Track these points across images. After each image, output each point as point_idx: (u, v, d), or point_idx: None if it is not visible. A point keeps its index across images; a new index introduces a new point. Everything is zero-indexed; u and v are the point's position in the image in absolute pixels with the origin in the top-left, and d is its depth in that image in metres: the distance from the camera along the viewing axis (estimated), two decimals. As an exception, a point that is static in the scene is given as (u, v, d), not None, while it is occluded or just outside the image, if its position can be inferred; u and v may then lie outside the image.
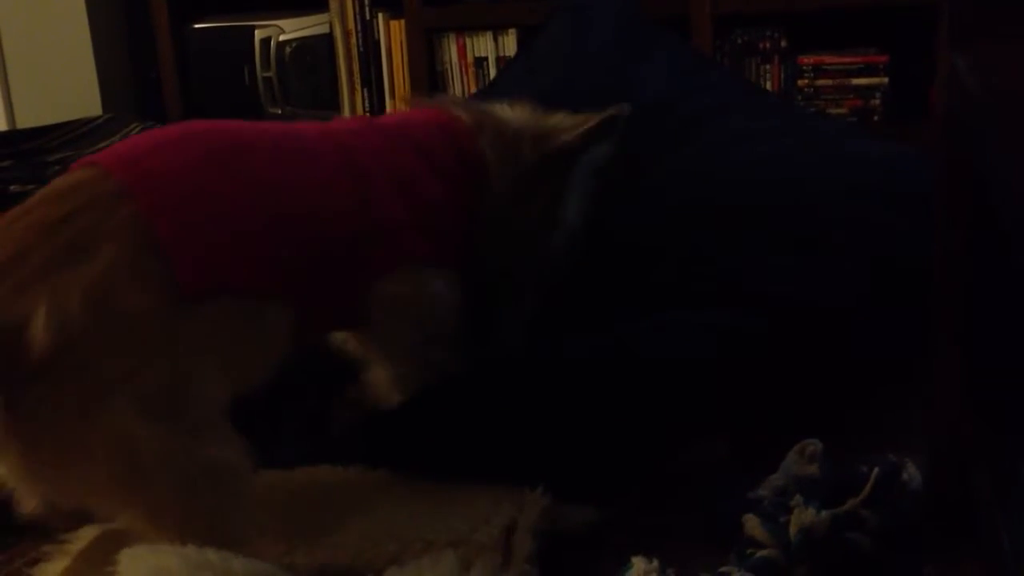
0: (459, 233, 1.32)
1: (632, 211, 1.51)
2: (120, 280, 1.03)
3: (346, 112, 2.85)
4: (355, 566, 1.13)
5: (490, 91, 1.86)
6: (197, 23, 2.85)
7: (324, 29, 2.84)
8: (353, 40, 2.83)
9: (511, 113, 1.37)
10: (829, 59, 2.59)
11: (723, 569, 1.07)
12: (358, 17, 2.81)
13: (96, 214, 1.05)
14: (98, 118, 2.56)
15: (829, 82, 2.60)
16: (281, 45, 2.81)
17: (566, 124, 1.35)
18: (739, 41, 2.63)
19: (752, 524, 1.12)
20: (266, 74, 2.82)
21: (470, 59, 2.76)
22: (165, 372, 1.03)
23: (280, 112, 2.85)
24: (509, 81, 1.86)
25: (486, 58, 2.75)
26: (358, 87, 2.84)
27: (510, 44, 2.73)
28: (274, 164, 1.18)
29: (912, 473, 1.16)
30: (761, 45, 2.62)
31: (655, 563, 1.05)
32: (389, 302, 1.26)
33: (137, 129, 2.46)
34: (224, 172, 1.14)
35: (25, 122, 2.74)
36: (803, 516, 1.09)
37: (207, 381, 1.07)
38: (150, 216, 1.06)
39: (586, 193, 1.38)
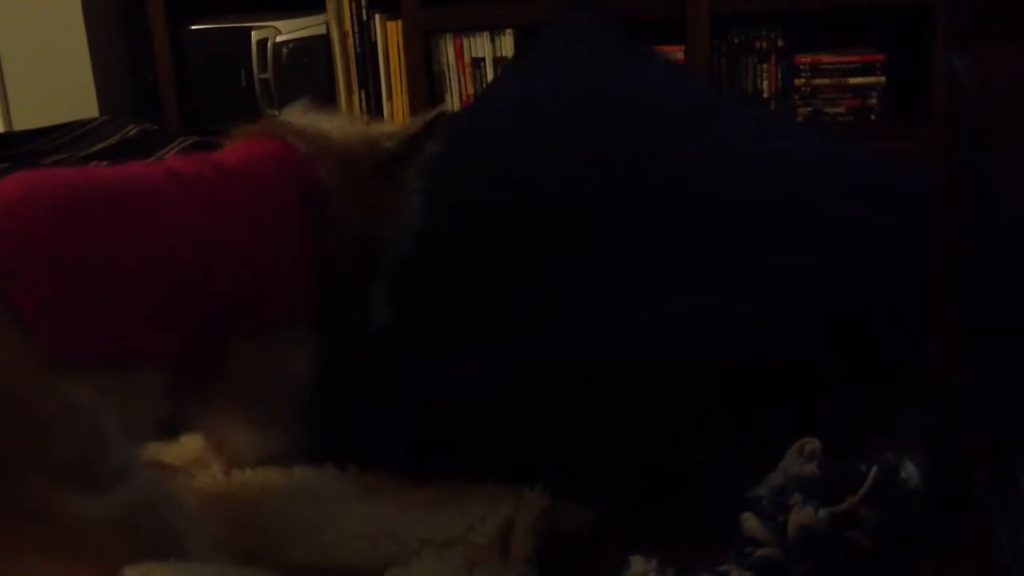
0: (312, 272, 1.28)
1: (631, 210, 1.51)
2: None
3: (343, 113, 2.85)
4: (353, 566, 1.13)
5: (481, 102, 1.87)
6: (194, 24, 2.85)
7: (321, 30, 2.84)
8: (350, 41, 2.83)
9: (340, 129, 1.34)
10: (826, 58, 2.60)
11: (722, 568, 1.07)
12: (355, 18, 2.81)
13: None
14: (95, 120, 2.56)
15: (826, 81, 2.60)
16: (278, 46, 2.81)
17: (391, 132, 1.34)
18: (736, 41, 2.63)
19: (751, 523, 1.12)
20: (263, 75, 2.82)
21: (467, 60, 2.76)
22: (71, 439, 1.00)
23: (277, 113, 2.85)
24: (499, 92, 1.87)
25: (483, 59, 2.75)
26: (355, 88, 2.84)
27: (507, 45, 2.73)
28: (130, 215, 1.12)
29: (910, 472, 1.16)
30: (758, 44, 2.63)
31: (653, 562, 1.05)
32: (250, 364, 1.22)
33: (133, 131, 2.46)
34: (81, 228, 1.07)
35: (22, 124, 2.74)
36: (802, 515, 1.09)
37: (109, 436, 1.03)
38: (12, 291, 1.00)
39: (419, 191, 1.37)
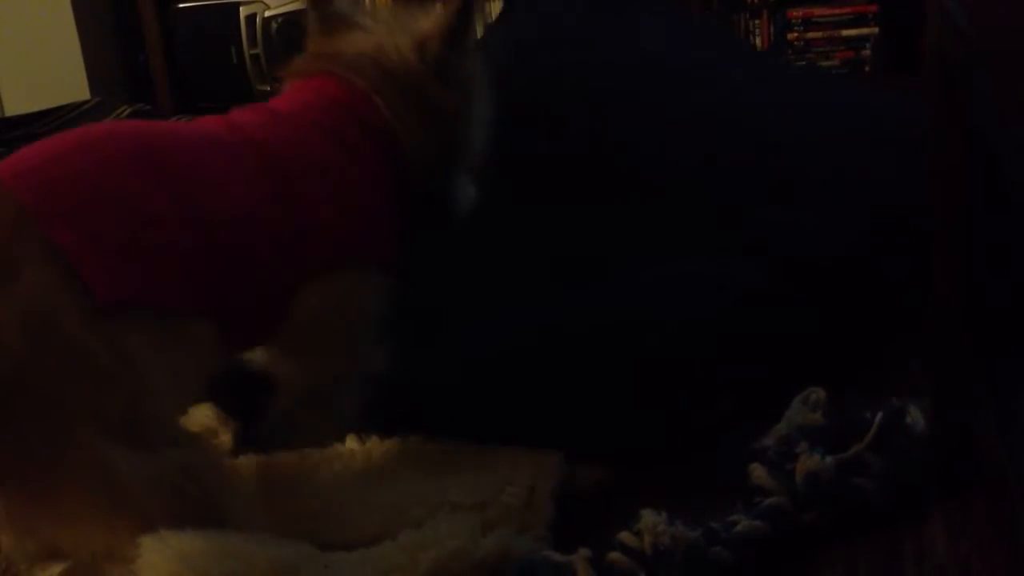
0: (384, 213, 1.25)
1: (632, 164, 1.50)
2: (51, 302, 0.98)
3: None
4: (383, 535, 1.11)
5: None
6: (181, 2, 2.84)
7: (309, 3, 2.82)
8: (339, 13, 2.81)
9: (390, 41, 1.27)
10: (819, 11, 2.58)
11: (731, 518, 1.08)
12: (343, -11, 2.80)
13: (4, 235, 1.00)
14: (86, 103, 2.55)
15: (819, 34, 2.59)
16: (267, 21, 2.80)
17: (433, 28, 1.26)
18: (727, -4, 2.62)
19: (758, 472, 1.12)
20: (253, 51, 2.80)
21: (458, 28, 2.75)
22: (121, 392, 1.00)
23: (269, 89, 2.84)
24: (494, 36, 1.86)
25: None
26: (346, 60, 2.83)
27: (496, 13, 2.71)
28: (187, 164, 1.12)
29: (915, 417, 1.16)
30: (749, 0, 2.62)
31: (663, 515, 1.06)
32: (313, 311, 1.20)
33: (126, 112, 2.45)
34: (133, 176, 1.08)
35: (14, 110, 2.72)
36: (809, 463, 1.10)
37: (159, 393, 1.04)
38: (54, 231, 1.00)
39: (484, 76, 1.32)
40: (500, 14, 2.02)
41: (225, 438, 1.30)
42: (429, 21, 1.28)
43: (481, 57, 1.31)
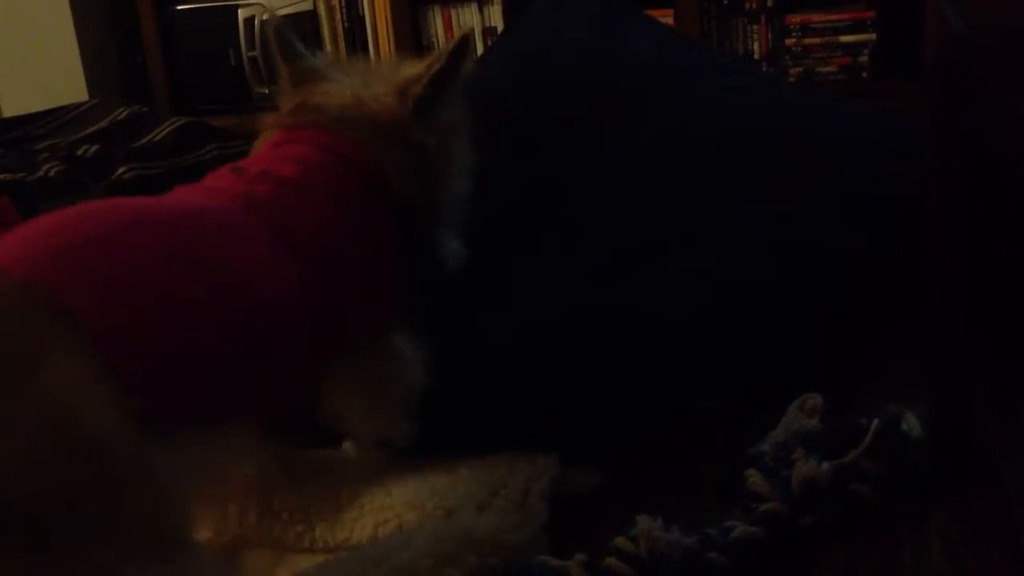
0: (399, 275, 1.20)
1: (629, 163, 1.51)
2: (77, 405, 0.86)
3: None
4: (376, 536, 1.12)
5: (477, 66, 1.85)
6: (180, 4, 2.84)
7: (308, 5, 2.82)
8: (338, 15, 2.81)
9: (369, 89, 1.22)
10: (816, 17, 2.58)
11: (728, 524, 1.08)
12: (342, -8, 2.80)
13: (15, 330, 0.86)
14: (85, 104, 2.54)
15: (817, 40, 2.59)
16: (265, 24, 2.80)
17: (417, 73, 1.22)
18: (725, 1, 2.62)
19: (755, 478, 1.12)
20: (251, 53, 2.80)
21: (456, 31, 2.75)
22: (142, 502, 0.90)
23: (267, 91, 2.84)
24: (493, 62, 1.87)
25: (472, 29, 2.73)
26: (345, 63, 2.83)
27: (496, 15, 2.72)
28: (204, 242, 1.02)
29: (912, 423, 1.16)
30: (747, 5, 2.61)
31: (659, 521, 1.06)
32: (354, 383, 1.18)
33: (123, 113, 2.45)
34: (163, 265, 0.96)
35: (11, 111, 2.72)
36: (805, 468, 1.10)
37: (181, 505, 0.95)
38: (95, 328, 0.88)
39: (466, 125, 1.28)
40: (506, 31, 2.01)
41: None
42: (411, 69, 1.24)
43: (465, 104, 1.28)
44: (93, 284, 0.91)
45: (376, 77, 1.25)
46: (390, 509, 1.16)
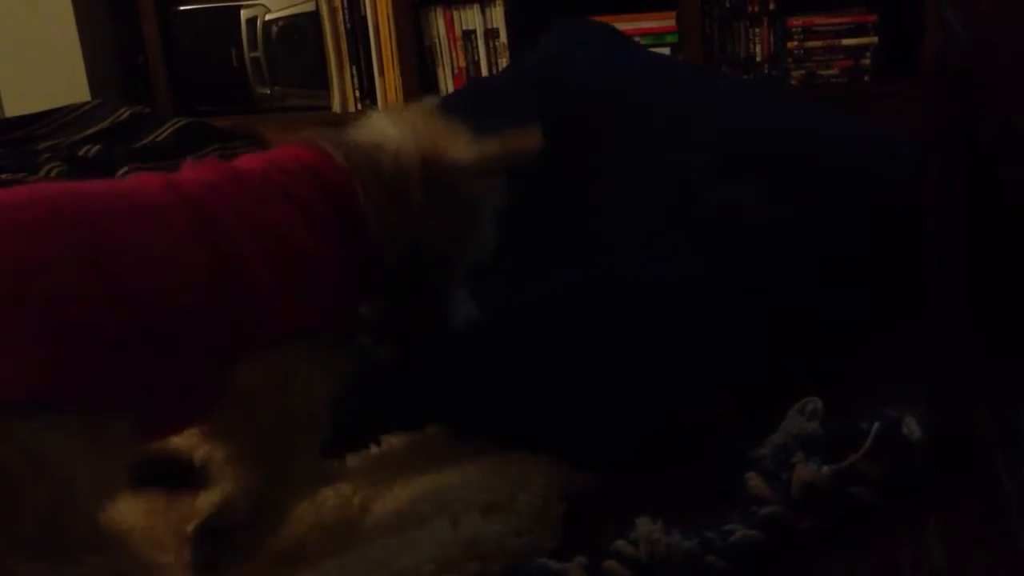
0: (341, 287, 1.14)
1: (636, 157, 1.51)
2: None
3: (335, 90, 2.84)
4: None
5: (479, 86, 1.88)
6: (182, 5, 2.84)
7: (310, 7, 2.82)
8: (340, 17, 2.81)
9: (394, 132, 1.18)
10: (819, 20, 2.58)
11: (727, 527, 1.08)
12: (344, -7, 2.80)
13: None
14: (86, 104, 2.55)
15: (819, 43, 2.59)
16: (267, 24, 2.80)
17: (465, 148, 1.18)
18: (727, 5, 2.62)
19: (755, 481, 1.12)
20: (253, 54, 2.80)
21: (458, 33, 2.75)
22: (36, 501, 0.88)
23: (269, 92, 2.84)
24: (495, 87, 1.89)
25: (474, 31, 2.73)
26: (347, 64, 2.83)
27: (498, 16, 2.71)
28: (108, 230, 0.99)
29: (912, 427, 1.16)
30: (750, 8, 2.61)
31: (659, 523, 1.06)
32: (250, 388, 1.06)
33: (125, 114, 2.45)
34: (45, 246, 0.94)
35: (13, 111, 2.72)
36: (805, 472, 1.10)
37: (78, 498, 0.91)
38: None
39: (494, 209, 1.24)
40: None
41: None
42: (455, 143, 1.19)
43: (495, 187, 1.22)
44: None
45: (421, 133, 1.19)
46: (411, 500, 1.15)
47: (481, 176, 1.19)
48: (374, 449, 1.30)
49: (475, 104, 1.71)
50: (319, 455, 1.17)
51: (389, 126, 1.19)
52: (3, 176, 1.98)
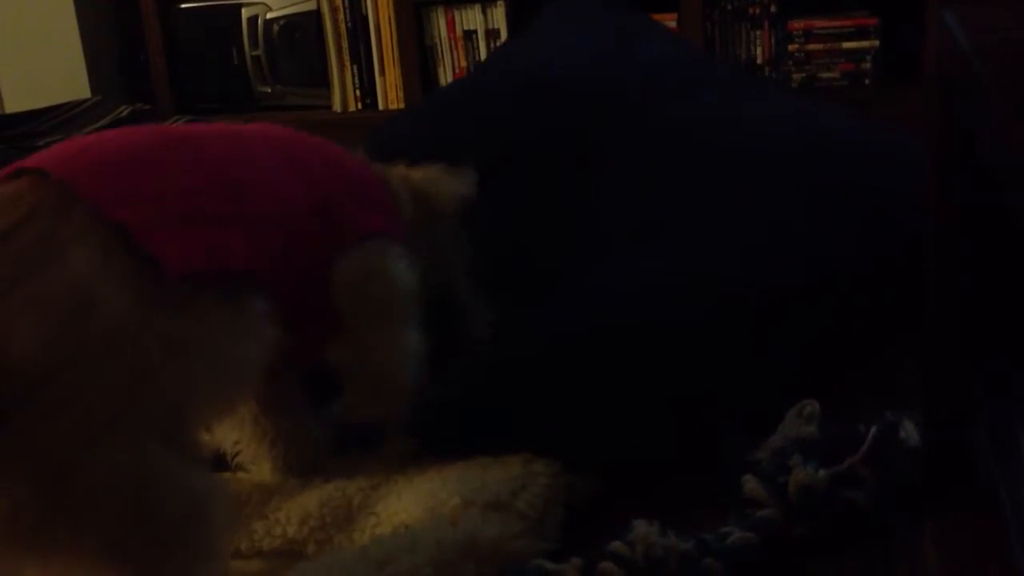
0: (384, 193, 1.31)
1: (634, 159, 1.51)
2: (99, 285, 0.91)
3: (336, 89, 2.84)
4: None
5: (484, 68, 1.87)
6: (183, 3, 2.84)
7: (311, 5, 2.82)
8: (341, 16, 2.81)
9: (405, 172, 1.39)
10: (820, 23, 2.59)
11: (724, 529, 1.08)
12: (345, -7, 2.80)
13: (46, 220, 0.92)
14: (87, 101, 2.55)
15: (820, 47, 2.59)
16: (268, 23, 2.80)
17: (443, 190, 1.39)
18: (729, 7, 2.62)
19: (752, 484, 1.12)
20: (254, 53, 2.81)
21: (459, 32, 2.75)
22: (164, 388, 0.92)
23: (270, 91, 2.84)
24: (502, 59, 1.88)
25: (475, 31, 2.74)
26: (347, 63, 2.83)
27: (499, 16, 2.72)
28: (219, 146, 1.13)
29: (909, 432, 1.16)
30: (751, 11, 2.62)
31: (656, 525, 1.06)
32: (351, 285, 1.20)
33: (126, 112, 2.45)
34: (172, 154, 1.07)
35: (14, 107, 2.72)
36: (802, 475, 1.10)
37: (197, 394, 0.98)
38: (110, 209, 0.95)
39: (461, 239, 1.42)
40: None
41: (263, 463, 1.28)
42: (441, 185, 1.39)
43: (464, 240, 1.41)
44: (125, 191, 1.00)
45: (422, 185, 1.39)
46: (403, 512, 1.15)
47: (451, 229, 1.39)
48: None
49: (463, 107, 1.71)
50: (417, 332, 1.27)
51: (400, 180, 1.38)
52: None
